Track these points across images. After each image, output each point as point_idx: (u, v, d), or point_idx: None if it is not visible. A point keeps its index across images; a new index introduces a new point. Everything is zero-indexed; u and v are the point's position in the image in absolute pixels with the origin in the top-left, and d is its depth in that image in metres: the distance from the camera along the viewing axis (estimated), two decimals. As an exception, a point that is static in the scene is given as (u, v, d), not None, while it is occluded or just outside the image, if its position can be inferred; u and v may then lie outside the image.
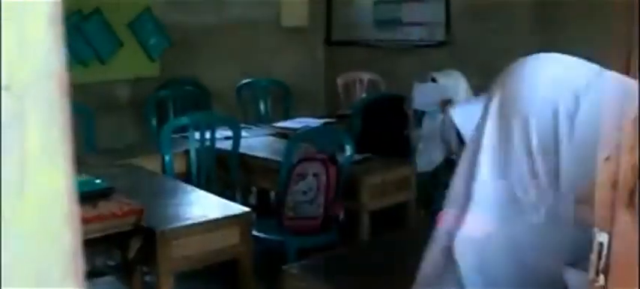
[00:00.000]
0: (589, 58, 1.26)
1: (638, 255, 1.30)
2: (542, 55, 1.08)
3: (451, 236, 1.12)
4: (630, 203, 1.29)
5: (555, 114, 0.97)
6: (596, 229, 1.37)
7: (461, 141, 4.74)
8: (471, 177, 1.05)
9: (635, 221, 1.28)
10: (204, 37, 6.59)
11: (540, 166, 0.98)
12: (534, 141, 0.98)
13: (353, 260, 2.83)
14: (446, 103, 4.63)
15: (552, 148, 0.96)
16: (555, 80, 1.01)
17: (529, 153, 0.98)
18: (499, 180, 1.03)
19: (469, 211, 1.08)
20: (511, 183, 1.01)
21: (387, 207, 4.22)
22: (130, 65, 6.23)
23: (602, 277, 1.39)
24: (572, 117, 0.96)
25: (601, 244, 1.39)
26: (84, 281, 0.71)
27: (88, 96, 5.73)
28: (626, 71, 1.16)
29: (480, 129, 1.05)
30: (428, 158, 4.75)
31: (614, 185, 1.30)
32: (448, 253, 1.12)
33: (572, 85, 0.99)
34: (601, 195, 1.35)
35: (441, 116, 4.69)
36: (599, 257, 1.38)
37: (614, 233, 1.33)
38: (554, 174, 0.97)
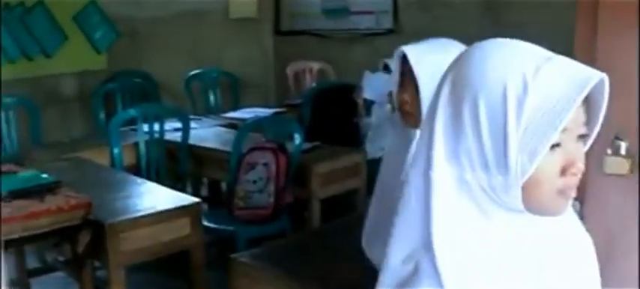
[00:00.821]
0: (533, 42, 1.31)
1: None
2: (493, 40, 1.10)
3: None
4: (601, 170, 1.34)
5: (504, 97, 0.99)
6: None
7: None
8: (428, 164, 1.06)
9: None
10: (152, 29, 6.54)
11: (490, 150, 0.99)
12: (484, 125, 0.99)
13: (301, 245, 2.86)
14: (393, 93, 4.68)
15: (501, 132, 0.98)
16: (505, 63, 1.03)
17: (479, 136, 1.00)
18: (451, 165, 1.04)
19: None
20: (462, 167, 1.02)
21: (338, 194, 4.24)
22: (77, 58, 6.15)
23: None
24: (521, 100, 0.98)
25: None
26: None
27: (34, 90, 5.65)
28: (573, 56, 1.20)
29: (431, 115, 1.06)
30: (378, 145, 4.80)
31: (587, 152, 1.35)
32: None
33: (522, 68, 1.00)
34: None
35: (388, 106, 4.74)
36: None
37: (586, 201, 1.39)
38: (504, 158, 0.98)
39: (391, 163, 2.28)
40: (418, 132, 1.42)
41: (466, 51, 1.11)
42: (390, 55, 4.99)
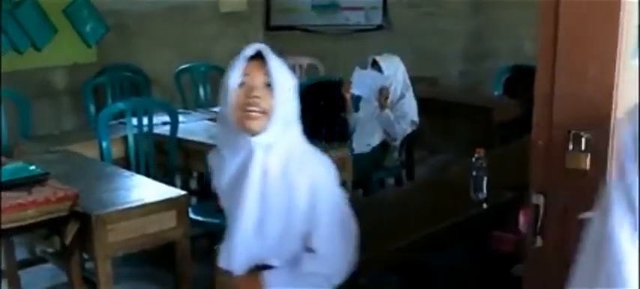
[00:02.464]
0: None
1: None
2: None
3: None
4: (563, 165, 1.39)
5: None
6: (532, 191, 1.47)
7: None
8: None
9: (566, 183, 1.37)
10: (142, 22, 6.57)
11: None
12: None
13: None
14: (382, 91, 4.74)
15: None
16: None
17: None
18: None
19: None
20: None
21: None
22: (67, 51, 6.18)
23: (539, 238, 1.49)
24: None
25: (537, 206, 1.48)
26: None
27: (24, 84, 5.67)
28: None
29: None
30: (365, 140, 4.85)
31: (547, 147, 1.40)
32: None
33: None
34: (536, 157, 1.45)
35: (376, 103, 4.79)
36: (536, 220, 1.48)
37: (549, 196, 1.43)
38: None
39: None
40: None
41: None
42: (379, 52, 5.07)
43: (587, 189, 1.33)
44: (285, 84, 1.98)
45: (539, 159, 1.37)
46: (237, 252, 2.09)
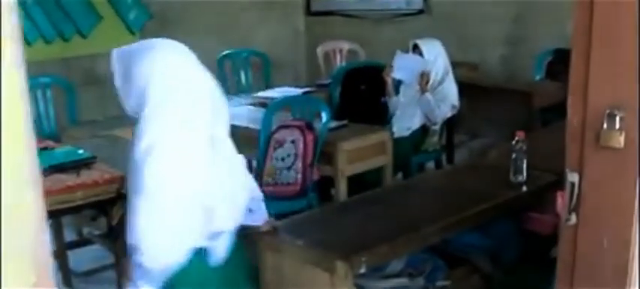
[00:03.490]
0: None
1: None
2: None
3: None
4: (597, 144, 1.42)
5: None
6: (567, 169, 1.50)
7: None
8: None
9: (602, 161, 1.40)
10: (184, 10, 6.65)
11: None
12: None
13: (323, 218, 2.96)
14: (423, 75, 4.74)
15: None
16: None
17: None
18: None
19: None
20: None
21: (364, 172, 4.32)
22: (111, 39, 6.27)
23: (574, 216, 1.51)
24: None
25: (572, 184, 1.51)
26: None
27: (70, 70, 5.80)
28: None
29: None
30: (405, 124, 4.87)
31: (583, 126, 1.42)
32: None
33: None
34: (571, 136, 1.47)
35: (416, 87, 4.80)
36: (571, 197, 1.51)
37: (584, 174, 1.46)
38: None
39: None
40: None
41: None
42: (419, 36, 5.07)
43: (621, 167, 1.35)
44: None
45: (575, 139, 1.39)
46: None
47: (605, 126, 1.33)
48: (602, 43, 1.32)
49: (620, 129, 1.31)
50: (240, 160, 2.50)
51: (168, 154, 2.19)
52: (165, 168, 2.18)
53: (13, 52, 0.73)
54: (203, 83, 2.34)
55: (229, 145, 2.42)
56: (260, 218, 2.68)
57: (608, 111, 1.32)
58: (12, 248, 0.76)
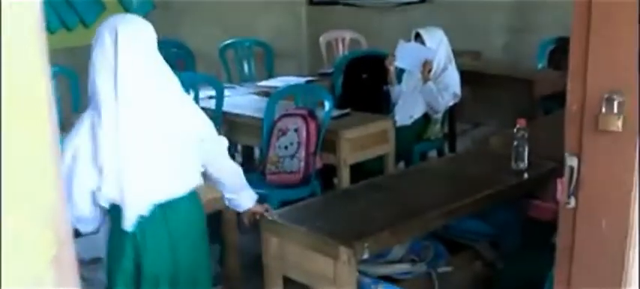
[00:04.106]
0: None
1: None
2: None
3: None
4: (596, 128, 1.44)
5: None
6: (566, 154, 1.52)
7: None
8: None
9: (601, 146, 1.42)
10: (187, -1, 6.68)
11: None
12: None
13: (326, 205, 2.99)
14: (425, 64, 4.76)
15: None
16: None
17: None
18: None
19: None
20: None
21: (367, 160, 4.34)
22: (114, 28, 6.31)
23: (573, 199, 1.54)
24: None
25: (572, 168, 1.53)
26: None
27: (74, 60, 5.81)
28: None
29: None
30: (407, 112, 4.89)
31: (582, 111, 1.45)
32: None
33: None
34: (570, 121, 1.50)
35: (419, 75, 4.82)
36: (570, 181, 1.53)
37: (582, 158, 1.48)
38: None
39: None
40: None
41: None
42: (421, 25, 5.09)
43: (619, 150, 1.37)
44: None
45: (574, 123, 1.42)
46: None
47: (603, 110, 1.35)
48: (600, 29, 1.34)
49: (619, 113, 1.33)
50: None
51: None
52: None
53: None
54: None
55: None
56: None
57: (606, 96, 1.34)
58: (35, 221, 0.81)
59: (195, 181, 2.51)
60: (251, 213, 2.84)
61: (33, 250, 0.80)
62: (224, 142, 2.70)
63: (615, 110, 1.34)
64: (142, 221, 2.38)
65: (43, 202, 0.82)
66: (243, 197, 2.80)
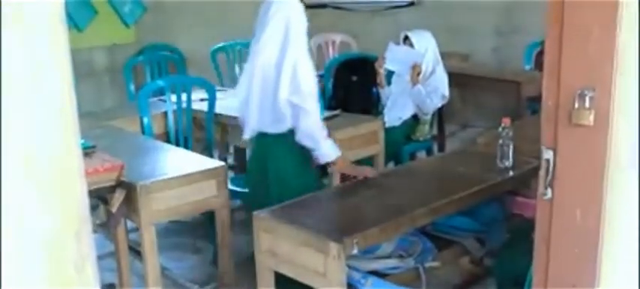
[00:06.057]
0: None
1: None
2: None
3: None
4: (570, 122, 1.52)
5: None
6: (542, 147, 1.61)
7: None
8: None
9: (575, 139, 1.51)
10: (179, 2, 6.73)
11: None
12: None
13: (316, 204, 3.06)
14: (414, 66, 4.84)
15: None
16: None
17: None
18: None
19: None
20: None
21: (357, 160, 4.40)
22: (106, 32, 6.39)
23: (549, 190, 1.62)
24: None
25: (547, 161, 1.62)
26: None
27: (67, 64, 5.88)
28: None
29: None
30: (396, 114, 4.96)
31: (557, 107, 1.53)
32: None
33: None
34: (546, 117, 1.58)
35: (408, 77, 4.90)
36: (547, 173, 1.61)
37: (558, 151, 1.56)
38: None
39: None
40: None
41: None
42: (410, 28, 5.16)
43: (591, 143, 1.46)
44: None
45: (549, 118, 1.50)
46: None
47: (576, 105, 1.44)
48: (572, 28, 1.43)
49: (590, 107, 1.42)
50: None
51: None
52: None
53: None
54: None
55: None
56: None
57: (579, 92, 1.42)
58: (63, 203, 1.04)
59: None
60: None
61: (62, 227, 1.02)
62: None
63: (587, 105, 1.42)
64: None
65: (70, 188, 1.04)
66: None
